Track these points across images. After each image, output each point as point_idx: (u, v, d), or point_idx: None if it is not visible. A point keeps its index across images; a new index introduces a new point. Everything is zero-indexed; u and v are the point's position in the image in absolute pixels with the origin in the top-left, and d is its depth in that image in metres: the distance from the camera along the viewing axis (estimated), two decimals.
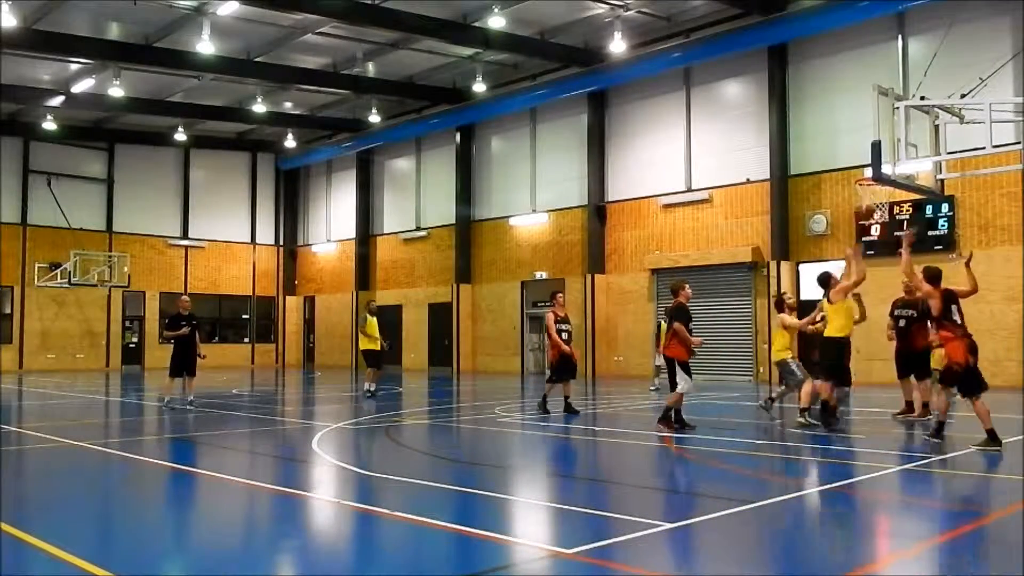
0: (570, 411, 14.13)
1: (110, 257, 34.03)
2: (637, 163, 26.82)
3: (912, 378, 12.61)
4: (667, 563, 5.47)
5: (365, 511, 7.10)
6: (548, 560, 5.43)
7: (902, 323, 12.57)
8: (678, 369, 11.66)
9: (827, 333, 11.65)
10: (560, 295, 14.90)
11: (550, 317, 14.37)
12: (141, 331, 35.94)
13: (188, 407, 15.18)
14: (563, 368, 14.23)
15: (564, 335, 14.26)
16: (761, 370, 23.48)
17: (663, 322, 19.67)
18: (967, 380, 9.67)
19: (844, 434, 11.04)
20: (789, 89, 23.43)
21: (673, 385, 11.75)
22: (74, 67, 27.74)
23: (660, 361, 19.85)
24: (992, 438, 9.53)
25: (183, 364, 15.67)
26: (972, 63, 17.01)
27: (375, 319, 19.09)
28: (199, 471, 9.24)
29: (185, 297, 17.18)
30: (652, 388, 19.86)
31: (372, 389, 18.42)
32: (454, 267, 31.71)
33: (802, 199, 23.13)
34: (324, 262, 38.61)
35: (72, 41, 24.68)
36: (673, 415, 11.72)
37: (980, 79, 12.65)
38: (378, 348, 19.00)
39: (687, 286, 12.33)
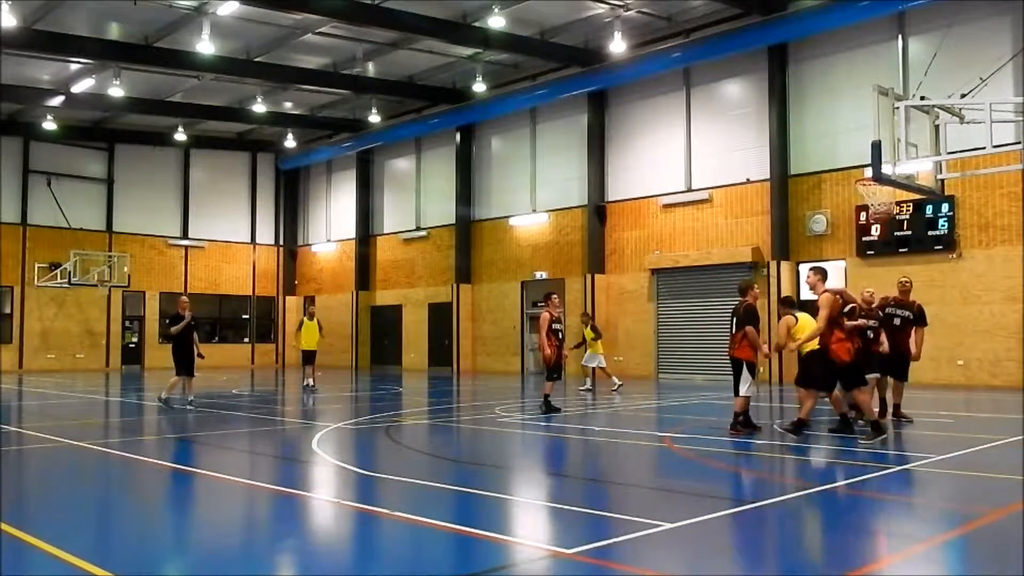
0: (550, 409, 14.30)
1: (110, 257, 34.02)
2: (637, 163, 26.81)
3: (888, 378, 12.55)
4: (667, 563, 5.47)
5: (365, 511, 7.11)
6: (548, 560, 5.43)
7: (897, 322, 12.49)
8: (744, 371, 11.20)
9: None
10: (555, 296, 15.15)
11: (545, 316, 14.59)
12: (141, 331, 35.94)
13: (188, 407, 15.20)
14: (558, 367, 14.57)
15: (559, 335, 14.71)
16: (760, 370, 23.46)
17: (586, 327, 19.28)
18: (850, 375, 10.48)
19: (840, 435, 11.02)
20: (789, 89, 23.43)
21: (737, 389, 11.32)
22: (74, 67, 27.74)
23: (597, 363, 19.78)
24: (875, 428, 10.31)
25: (184, 363, 15.68)
26: (972, 63, 17.00)
27: (315, 322, 20.85)
28: (199, 471, 9.24)
29: (184, 298, 17.19)
30: (584, 388, 19.81)
31: (311, 384, 20.28)
32: (454, 267, 31.72)
33: (802, 199, 23.13)
34: (324, 262, 38.62)
35: (72, 41, 24.66)
36: (742, 419, 11.34)
37: (980, 79, 12.65)
38: (315, 348, 20.69)
39: (756, 286, 12.15)
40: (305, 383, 20.34)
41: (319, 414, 15.68)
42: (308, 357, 20.71)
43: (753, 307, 11.48)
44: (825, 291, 10.66)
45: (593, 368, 20.27)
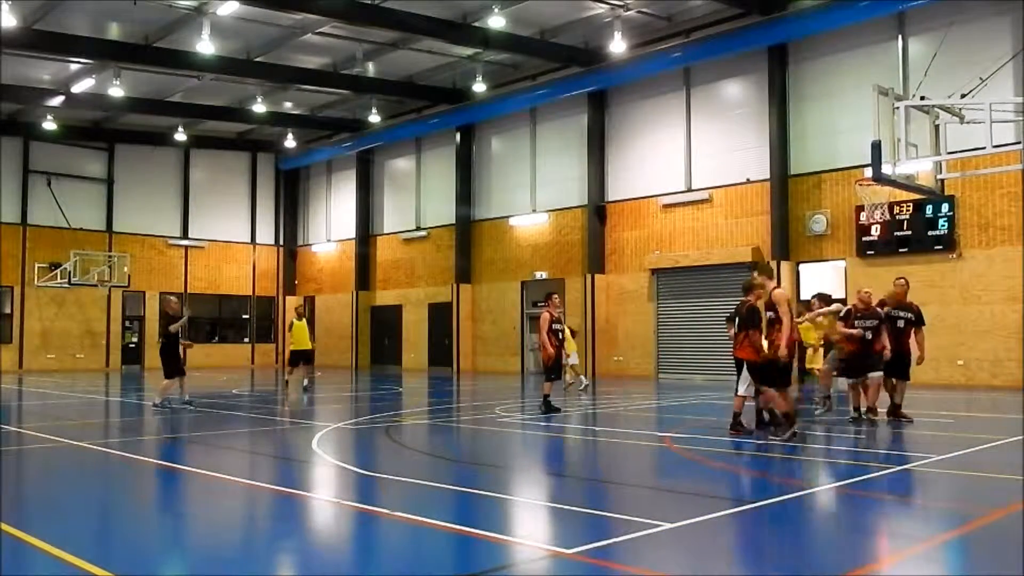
0: (550, 409, 14.23)
1: (110, 257, 34.02)
2: (637, 163, 26.81)
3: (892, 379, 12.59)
4: (667, 563, 5.47)
5: (365, 511, 7.11)
6: (548, 560, 5.43)
7: (900, 324, 12.54)
8: (744, 372, 11.11)
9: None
10: (555, 296, 15.21)
11: (545, 316, 14.62)
12: (141, 331, 35.93)
13: (187, 406, 15.21)
14: (557, 367, 14.63)
15: (560, 335, 14.78)
16: None
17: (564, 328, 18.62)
18: (778, 373, 10.69)
19: (841, 434, 11.04)
20: (789, 89, 23.42)
21: (738, 389, 11.30)
22: (74, 67, 27.73)
23: (574, 360, 19.91)
24: (786, 421, 10.51)
25: (175, 365, 15.68)
26: (972, 63, 17.01)
27: (304, 322, 20.49)
28: (199, 471, 9.23)
29: (172, 298, 17.10)
30: (580, 387, 19.65)
31: (306, 384, 19.94)
32: (454, 267, 31.71)
33: (802, 199, 23.13)
34: (324, 262, 38.62)
35: (72, 41, 24.66)
36: (733, 418, 11.28)
37: (980, 79, 12.65)
38: (307, 348, 20.17)
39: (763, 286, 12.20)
40: (303, 383, 20.00)
41: (319, 414, 15.68)
42: (304, 357, 20.22)
43: (755, 307, 11.38)
44: (775, 288, 10.86)
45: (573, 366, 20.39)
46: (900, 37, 21.46)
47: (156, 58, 26.04)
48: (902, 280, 12.92)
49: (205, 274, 37.59)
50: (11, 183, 33.29)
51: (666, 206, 25.93)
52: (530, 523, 6.79)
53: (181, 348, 15.92)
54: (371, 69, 28.70)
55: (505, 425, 13.16)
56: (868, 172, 13.20)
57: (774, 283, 10.97)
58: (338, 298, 37.24)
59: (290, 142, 36.93)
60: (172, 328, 15.77)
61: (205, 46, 22.99)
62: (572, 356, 19.96)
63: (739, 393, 11.21)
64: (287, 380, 20.34)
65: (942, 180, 13.83)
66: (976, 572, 5.41)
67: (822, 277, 22.86)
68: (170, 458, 10.47)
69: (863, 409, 12.35)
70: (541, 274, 29.14)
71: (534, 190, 29.75)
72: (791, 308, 10.90)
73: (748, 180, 24.12)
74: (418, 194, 34.25)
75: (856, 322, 12.28)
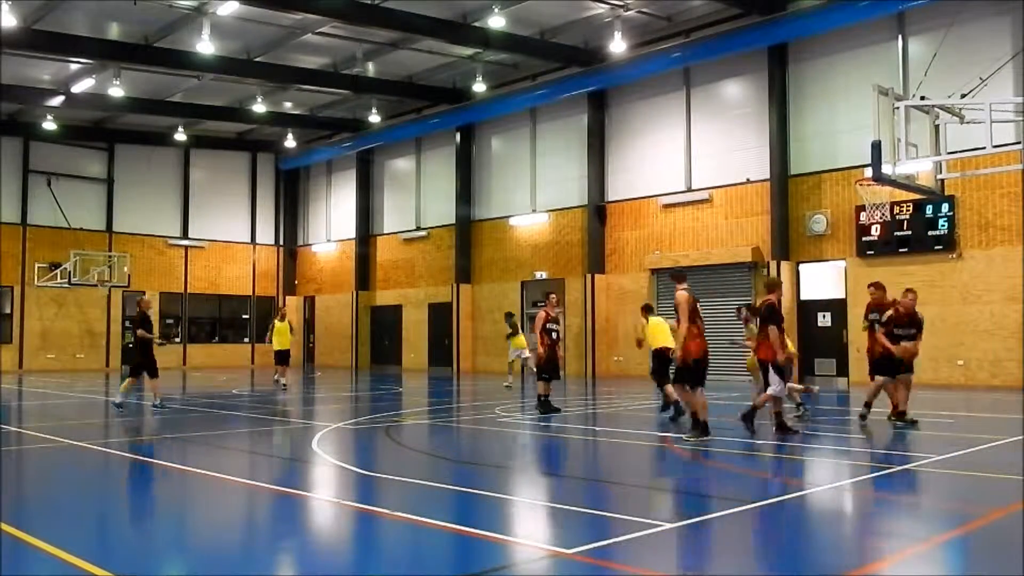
0: (549, 410, 14.21)
1: (110, 257, 34.02)
2: (637, 163, 26.81)
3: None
4: (667, 563, 5.48)
5: (365, 511, 7.11)
6: (548, 560, 5.43)
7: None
8: (771, 371, 10.99)
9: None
10: (553, 296, 15.36)
11: (541, 316, 14.70)
12: None
13: (120, 408, 15.15)
14: (551, 367, 14.56)
15: (554, 335, 14.70)
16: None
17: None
18: (695, 373, 10.79)
19: (841, 434, 11.03)
20: (789, 89, 23.42)
21: (767, 386, 11.17)
22: (74, 67, 27.73)
23: (514, 356, 21.32)
24: (703, 429, 10.56)
25: (149, 365, 15.58)
26: (972, 63, 17.03)
27: (286, 323, 21.90)
28: (199, 471, 9.23)
29: (146, 297, 17.06)
30: (506, 384, 21.20)
31: (284, 382, 21.11)
32: (454, 267, 31.71)
33: (802, 199, 23.13)
34: (324, 262, 38.61)
35: (72, 41, 24.65)
36: (775, 419, 11.14)
37: (980, 79, 12.66)
38: (287, 348, 21.61)
39: (781, 285, 12.17)
40: (280, 381, 21.08)
41: (319, 414, 15.67)
42: (281, 357, 21.49)
43: (774, 305, 11.17)
44: (681, 290, 11.03)
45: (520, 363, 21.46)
46: (900, 37, 21.46)
47: (156, 58, 26.03)
48: (878, 285, 12.77)
49: (205, 274, 37.58)
50: (11, 183, 33.28)
51: (666, 206, 25.93)
52: (530, 523, 6.79)
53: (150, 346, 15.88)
54: (371, 69, 28.70)
55: (505, 425, 13.16)
56: (868, 172, 13.22)
57: (681, 286, 11.06)
58: (338, 298, 37.23)
59: (290, 142, 36.93)
60: (144, 335, 15.69)
61: (205, 46, 22.99)
62: (516, 352, 21.18)
63: (768, 392, 11.08)
64: (285, 385, 20.86)
65: (942, 180, 13.84)
66: (976, 572, 5.41)
67: (822, 277, 22.87)
68: (170, 458, 10.46)
69: (864, 409, 12.33)
70: (541, 274, 29.14)
71: (534, 190, 29.74)
72: (693, 308, 10.92)
73: (748, 180, 24.11)
74: (418, 194, 34.25)
75: (896, 329, 11.97)
